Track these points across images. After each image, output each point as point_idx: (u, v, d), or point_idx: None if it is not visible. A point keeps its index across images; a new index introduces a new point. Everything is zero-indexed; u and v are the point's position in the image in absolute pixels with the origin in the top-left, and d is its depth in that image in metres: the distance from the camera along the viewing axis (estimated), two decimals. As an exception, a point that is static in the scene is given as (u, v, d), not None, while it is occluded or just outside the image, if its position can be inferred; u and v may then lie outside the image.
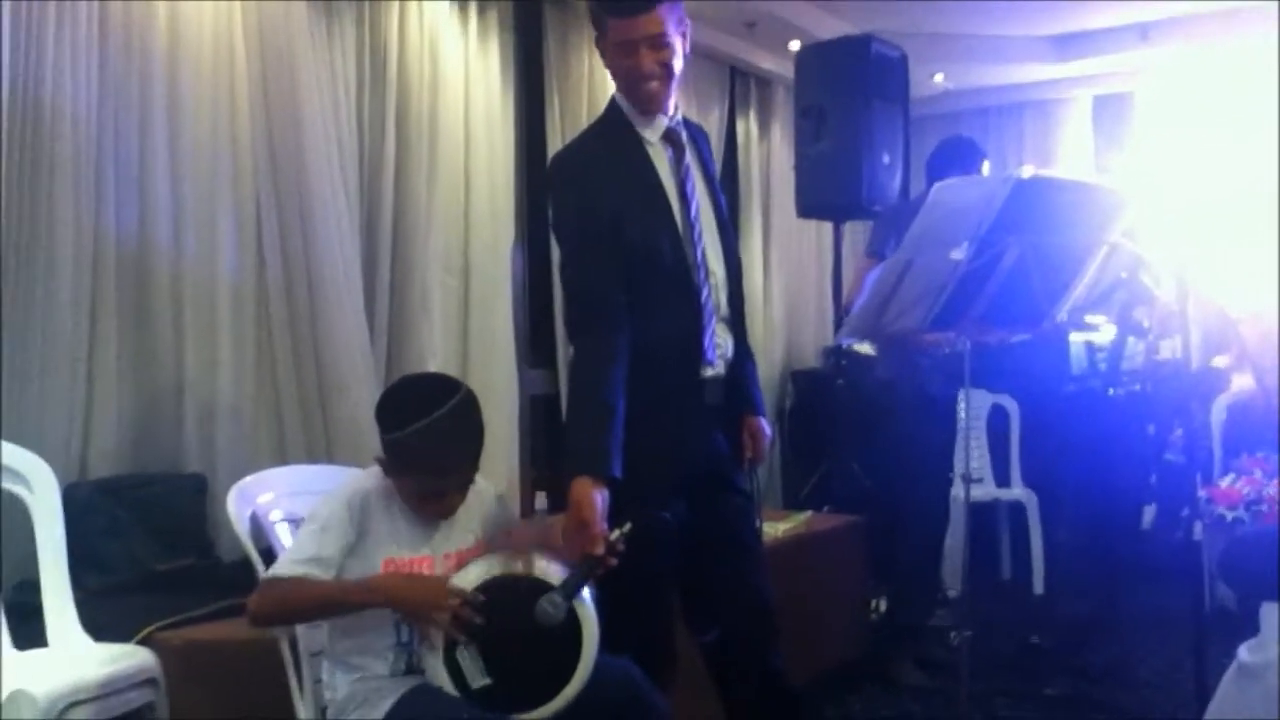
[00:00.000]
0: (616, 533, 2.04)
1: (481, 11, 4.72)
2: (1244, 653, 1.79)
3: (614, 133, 2.31)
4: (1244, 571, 1.25)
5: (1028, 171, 2.54)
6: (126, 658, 2.61)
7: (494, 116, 4.75)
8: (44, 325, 3.21)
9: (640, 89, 2.26)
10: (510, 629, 1.97)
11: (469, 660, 1.95)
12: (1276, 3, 5.74)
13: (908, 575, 3.98)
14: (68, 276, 3.26)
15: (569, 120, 5.08)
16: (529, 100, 5.10)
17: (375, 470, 2.13)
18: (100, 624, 2.78)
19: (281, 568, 2.00)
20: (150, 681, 2.58)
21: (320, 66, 3.98)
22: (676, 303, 2.25)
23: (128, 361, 3.47)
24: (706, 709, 2.60)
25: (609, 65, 2.30)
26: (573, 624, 1.98)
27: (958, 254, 2.55)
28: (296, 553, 2.01)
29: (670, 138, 2.32)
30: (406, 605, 1.97)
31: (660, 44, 2.22)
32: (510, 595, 1.99)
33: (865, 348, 4.99)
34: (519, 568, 2.02)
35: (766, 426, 2.48)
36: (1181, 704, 3.48)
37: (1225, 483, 4.30)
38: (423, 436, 2.00)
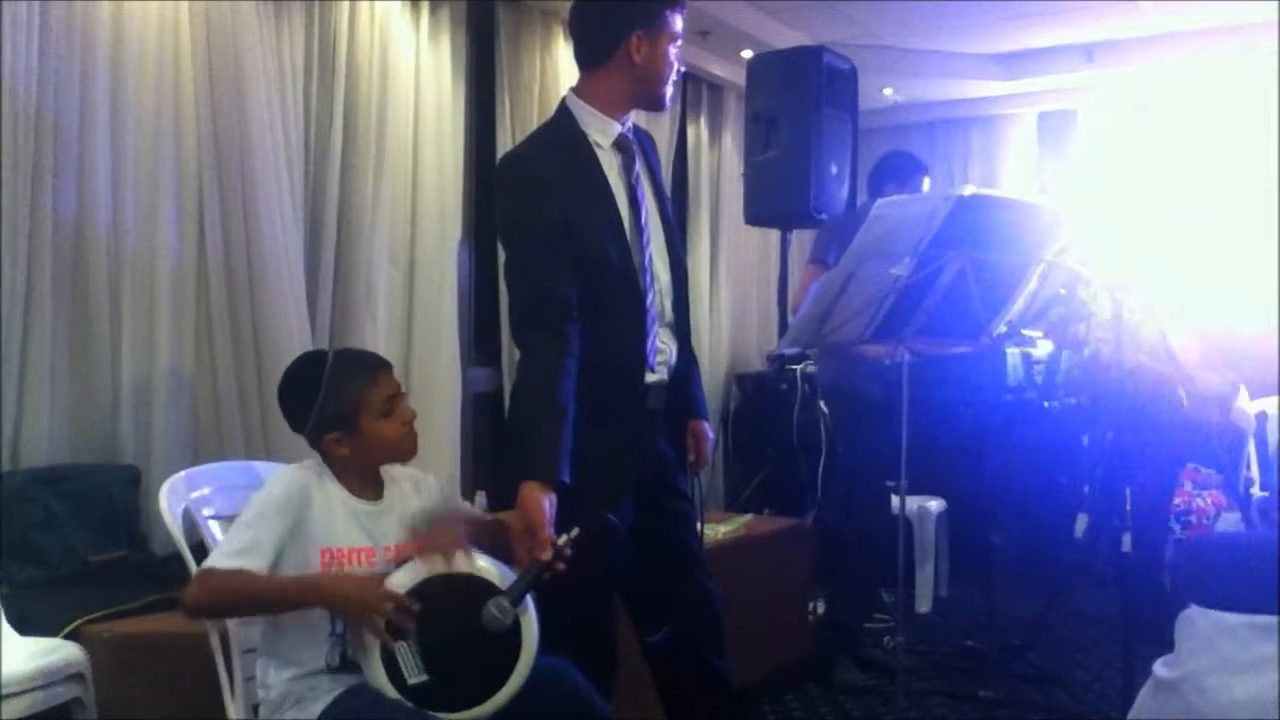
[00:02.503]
0: (564, 538, 2.04)
1: (434, 8, 4.70)
2: (1160, 668, 1.82)
3: (564, 137, 2.31)
4: (1203, 578, 1.28)
5: (969, 190, 2.59)
6: (53, 652, 2.58)
7: (444, 113, 4.73)
8: (-23, 311, 3.15)
9: (670, 84, 2.34)
10: (450, 626, 1.97)
11: (406, 656, 1.95)
12: (1217, 27, 5.90)
13: (847, 578, 4.03)
14: (2, 259, 3.19)
15: (519, 119, 5.08)
16: (479, 98, 5.08)
17: (313, 462, 2.12)
18: (31, 616, 2.75)
19: (217, 559, 1.98)
20: (77, 676, 2.55)
21: (267, 55, 3.94)
22: (621, 308, 2.26)
23: (63, 350, 3.41)
24: (648, 713, 2.62)
25: (653, 60, 2.29)
26: (513, 625, 1.98)
27: (899, 269, 2.59)
28: (232, 543, 1.99)
29: (620, 144, 2.33)
30: (340, 606, 1.96)
31: None
32: (451, 592, 1.99)
33: (810, 366, 5.07)
34: (460, 565, 2.02)
35: (709, 430, 2.51)
36: (1113, 704, 3.58)
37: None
38: (339, 365, 2.11)
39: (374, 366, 2.15)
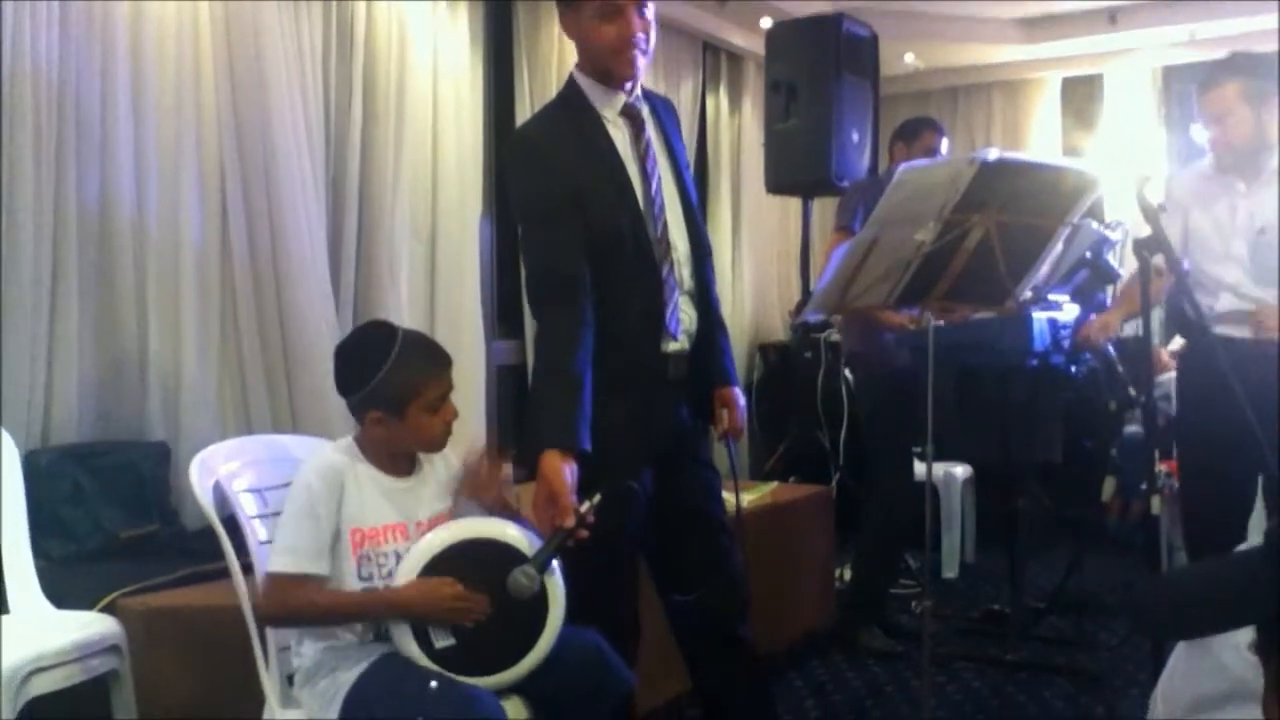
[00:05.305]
0: (586, 504, 2.06)
1: (452, -20, 4.69)
2: None
3: (572, 110, 2.30)
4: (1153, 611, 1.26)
5: (993, 153, 2.55)
6: (90, 625, 2.61)
7: (462, 88, 4.72)
8: (4, 289, 3.17)
9: (624, 56, 2.22)
10: (477, 592, 1.99)
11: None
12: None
13: (872, 545, 4.03)
14: (28, 241, 3.22)
15: (538, 92, 5.06)
16: (498, 72, 5.08)
17: (342, 443, 2.14)
18: (64, 591, 2.78)
19: (277, 562, 2.00)
20: (114, 648, 2.59)
21: (286, 35, 3.94)
22: (638, 279, 2.25)
23: (90, 327, 3.44)
24: (670, 680, 2.64)
25: (584, 35, 2.24)
26: (539, 591, 2.00)
27: (923, 234, 2.57)
28: (290, 546, 2.00)
29: (629, 113, 2.31)
30: (423, 615, 1.99)
31: (644, 12, 2.22)
32: (478, 558, 2.01)
33: (833, 334, 5.07)
34: (489, 532, 2.04)
35: (740, 396, 2.49)
36: (1140, 668, 3.58)
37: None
38: (408, 348, 2.09)
39: (438, 362, 2.14)
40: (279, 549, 2.03)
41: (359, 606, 2.03)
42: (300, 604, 2.00)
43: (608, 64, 2.25)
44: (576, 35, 2.26)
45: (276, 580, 2.00)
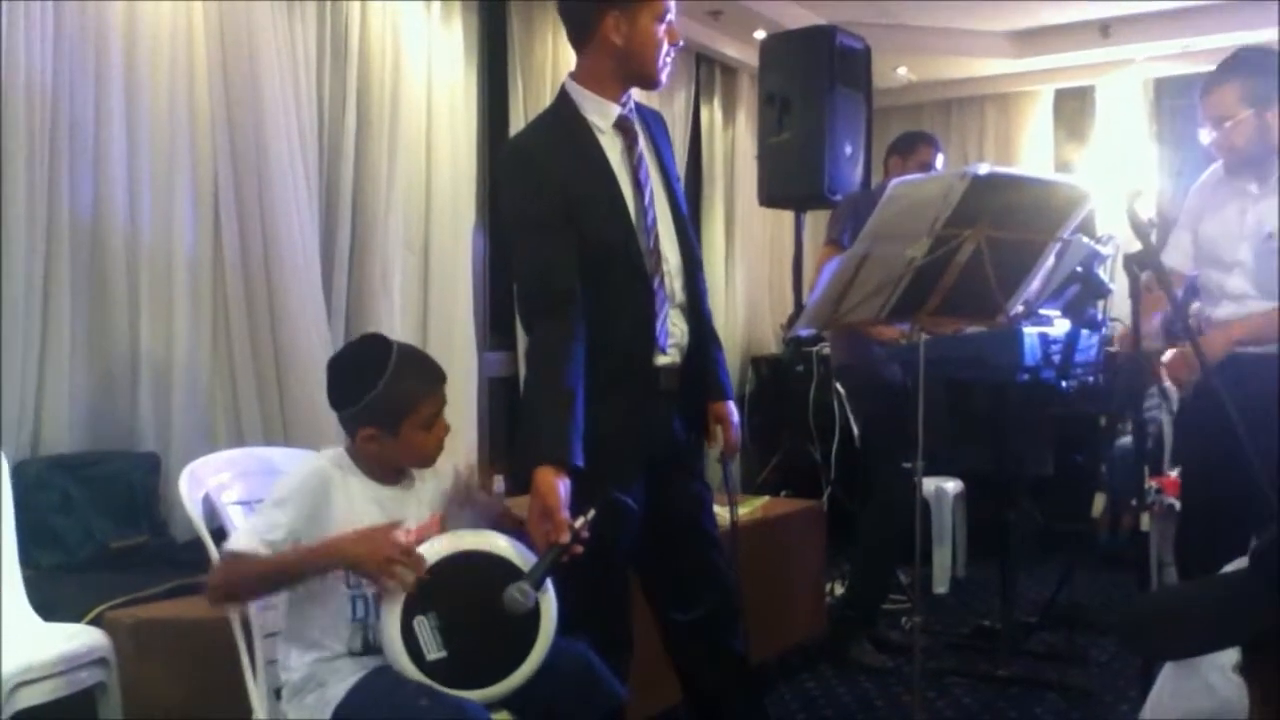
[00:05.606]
0: (581, 520, 2.05)
1: (446, -10, 4.70)
2: None
3: (564, 121, 2.30)
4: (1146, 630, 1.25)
5: (984, 168, 2.55)
6: (77, 637, 2.60)
7: (456, 98, 4.73)
8: (-4, 299, 3.17)
9: (663, 60, 2.28)
10: (470, 604, 1.99)
11: (426, 631, 1.97)
12: (1233, 2, 5.84)
13: (863, 559, 4.03)
14: (21, 249, 3.21)
15: (532, 103, 5.07)
16: (492, 82, 5.08)
17: (331, 451, 2.13)
18: (52, 602, 2.77)
19: (237, 542, 2.00)
20: (101, 661, 2.58)
21: (280, 40, 3.94)
22: (628, 291, 2.25)
23: (81, 337, 3.43)
24: (663, 694, 2.63)
25: (635, 37, 2.24)
26: (532, 606, 2.00)
27: (914, 249, 2.57)
28: (251, 527, 2.01)
29: (622, 125, 2.31)
30: (360, 561, 1.96)
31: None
32: (471, 571, 2.00)
33: (825, 348, 5.07)
34: (481, 544, 2.04)
35: (734, 412, 2.48)
36: (1131, 683, 3.57)
37: (1175, 473, 4.39)
38: (403, 365, 2.07)
39: (433, 378, 2.13)
40: (236, 533, 2.03)
41: (290, 564, 1.98)
42: (234, 572, 1.98)
43: (651, 67, 2.28)
44: (623, 37, 2.24)
45: (222, 556, 2.00)
